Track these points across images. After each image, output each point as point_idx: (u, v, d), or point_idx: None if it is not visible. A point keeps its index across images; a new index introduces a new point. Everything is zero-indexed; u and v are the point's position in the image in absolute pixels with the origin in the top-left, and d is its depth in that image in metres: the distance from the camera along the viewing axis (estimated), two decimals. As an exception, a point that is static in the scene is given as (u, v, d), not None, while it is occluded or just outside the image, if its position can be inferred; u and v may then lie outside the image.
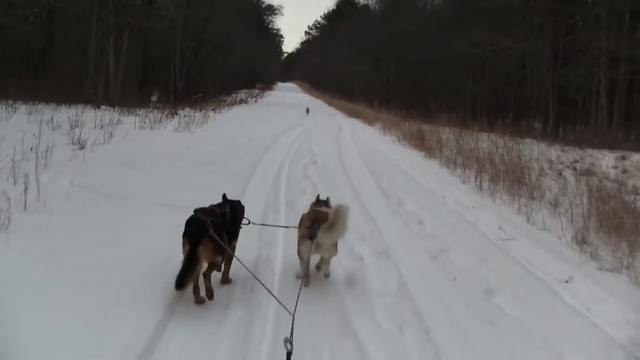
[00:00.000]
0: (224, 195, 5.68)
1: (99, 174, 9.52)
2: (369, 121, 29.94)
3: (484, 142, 21.36)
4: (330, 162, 14.28)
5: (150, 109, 25.44)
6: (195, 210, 5.16)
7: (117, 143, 12.98)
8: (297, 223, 5.95)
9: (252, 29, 65.94)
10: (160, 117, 20.04)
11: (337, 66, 63.67)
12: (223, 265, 5.31)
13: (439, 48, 37.55)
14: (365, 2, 65.56)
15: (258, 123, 24.68)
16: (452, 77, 39.45)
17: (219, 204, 5.51)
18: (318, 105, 51.93)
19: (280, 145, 17.00)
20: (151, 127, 17.25)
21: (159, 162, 11.24)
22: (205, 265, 4.92)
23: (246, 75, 70.60)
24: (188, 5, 39.56)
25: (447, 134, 22.98)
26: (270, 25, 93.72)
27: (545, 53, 27.77)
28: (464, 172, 13.43)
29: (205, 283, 4.98)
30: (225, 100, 43.95)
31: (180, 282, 4.53)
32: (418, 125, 26.77)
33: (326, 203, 6.02)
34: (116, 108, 23.54)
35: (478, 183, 11.68)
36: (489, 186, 11.42)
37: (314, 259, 5.70)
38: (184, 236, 4.91)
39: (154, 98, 40.26)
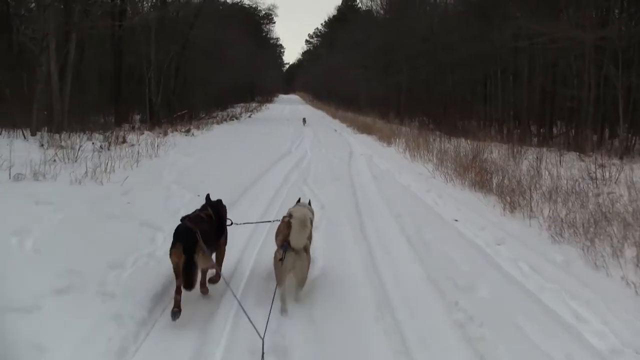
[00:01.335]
0: (208, 196, 5.85)
1: None
2: (386, 138, 22.50)
3: (549, 164, 14.35)
4: (342, 248, 6.87)
5: (111, 133, 18.50)
6: (183, 218, 5.19)
7: None
8: None
9: (249, 39, 59.18)
10: (78, 152, 12.78)
11: (341, 75, 56.46)
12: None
13: (461, 46, 30.21)
14: (368, 7, 58.33)
15: (237, 150, 17.46)
16: (477, 80, 32.00)
17: (202, 208, 5.57)
18: (321, 117, 44.63)
19: (253, 202, 9.66)
20: (36, 176, 9.88)
21: None
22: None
23: (244, 87, 63.82)
24: (163, 4, 32.49)
25: (500, 154, 16.06)
26: (268, 35, 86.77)
27: (615, 43, 20.31)
28: (603, 251, 6.32)
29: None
30: (215, 117, 36.88)
31: (189, 284, 4.68)
32: (442, 138, 19.65)
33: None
34: (50, 136, 16.47)
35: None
36: None
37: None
38: (175, 244, 4.81)
39: (137, 116, 33.09)
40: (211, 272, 5.50)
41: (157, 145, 15.07)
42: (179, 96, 33.71)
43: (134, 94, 31.35)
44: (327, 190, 10.41)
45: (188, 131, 23.65)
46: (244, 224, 6.36)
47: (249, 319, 4.31)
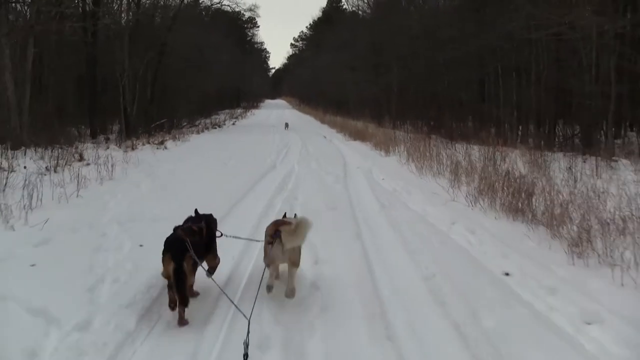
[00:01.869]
0: (196, 211, 5.67)
1: None
2: (382, 146, 19.70)
3: (583, 174, 11.88)
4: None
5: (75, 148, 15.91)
6: (175, 229, 5.11)
7: None
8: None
9: (232, 43, 56.53)
10: (8, 178, 10.00)
11: (328, 78, 53.71)
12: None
13: (456, 43, 27.54)
14: (355, 7, 55.62)
15: (212, 167, 14.61)
16: (474, 79, 29.26)
17: (194, 220, 5.46)
18: (308, 123, 41.94)
19: (222, 245, 6.83)
20: None
21: None
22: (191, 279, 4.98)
23: (229, 93, 61.09)
24: (138, 8, 29.62)
25: (519, 162, 13.60)
26: (252, 39, 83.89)
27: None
28: None
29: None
30: (197, 125, 34.00)
31: (183, 301, 4.59)
32: (445, 143, 17.10)
33: None
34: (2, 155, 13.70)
35: None
36: None
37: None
38: (165, 254, 4.73)
39: (117, 127, 29.88)
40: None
41: (113, 165, 12.13)
42: (158, 104, 30.87)
43: (112, 103, 28.34)
44: (322, 230, 7.59)
45: (161, 143, 20.80)
46: (234, 237, 5.99)
47: (232, 302, 4.43)
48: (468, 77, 28.81)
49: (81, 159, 14.73)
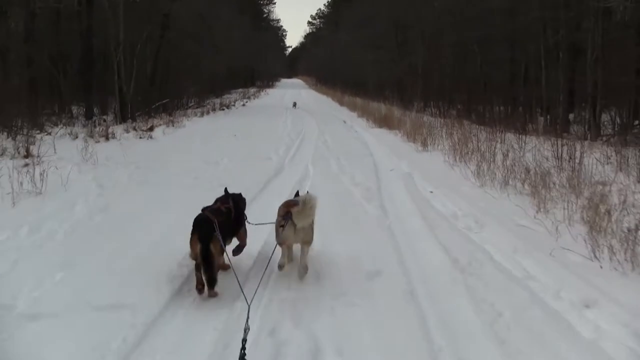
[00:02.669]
0: (226, 189, 5.52)
1: None
2: (417, 137, 15.61)
3: None
4: None
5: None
6: (204, 209, 4.98)
7: None
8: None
9: (247, 19, 52.71)
10: None
11: (347, 56, 49.76)
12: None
13: (490, 18, 23.64)
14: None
15: (189, 175, 10.36)
16: (513, 59, 25.04)
17: (222, 200, 5.30)
18: (325, 104, 37.99)
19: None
20: None
21: None
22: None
23: (243, 72, 57.35)
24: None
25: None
26: (268, 16, 79.63)
27: None
28: None
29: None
30: (205, 105, 30.24)
31: (211, 282, 4.50)
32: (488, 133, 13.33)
33: None
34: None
35: None
36: None
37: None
38: (193, 233, 4.66)
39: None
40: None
41: (44, 172, 8.19)
42: (162, 83, 27.15)
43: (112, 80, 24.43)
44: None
45: (150, 130, 16.90)
46: (257, 224, 5.52)
47: (239, 284, 4.21)
48: (502, 56, 24.78)
49: (27, 155, 10.94)
